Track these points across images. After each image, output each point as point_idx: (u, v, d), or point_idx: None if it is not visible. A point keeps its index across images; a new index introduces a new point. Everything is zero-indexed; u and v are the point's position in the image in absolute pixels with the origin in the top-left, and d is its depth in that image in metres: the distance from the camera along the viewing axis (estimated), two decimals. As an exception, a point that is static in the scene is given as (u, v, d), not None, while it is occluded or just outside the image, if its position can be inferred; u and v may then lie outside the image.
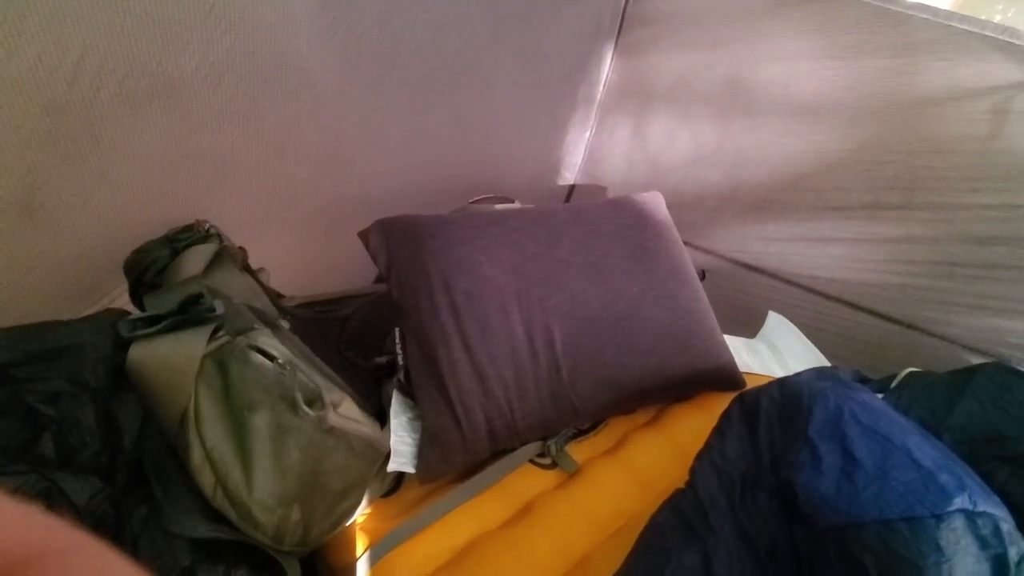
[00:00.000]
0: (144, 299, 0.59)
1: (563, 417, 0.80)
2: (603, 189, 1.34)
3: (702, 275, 0.99)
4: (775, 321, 1.05)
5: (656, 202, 1.01)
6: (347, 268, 1.19)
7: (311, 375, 0.60)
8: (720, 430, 0.71)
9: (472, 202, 1.25)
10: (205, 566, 0.51)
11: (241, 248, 0.84)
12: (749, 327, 1.03)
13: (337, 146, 1.04)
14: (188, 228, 0.80)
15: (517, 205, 1.20)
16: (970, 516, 0.49)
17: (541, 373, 0.79)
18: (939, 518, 0.48)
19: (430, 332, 0.78)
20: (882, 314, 0.98)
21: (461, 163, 1.28)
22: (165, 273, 0.73)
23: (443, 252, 0.82)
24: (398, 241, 0.85)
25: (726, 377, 0.89)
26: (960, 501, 0.49)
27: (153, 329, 0.54)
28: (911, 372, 0.84)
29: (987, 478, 0.62)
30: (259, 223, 1.00)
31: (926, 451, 0.56)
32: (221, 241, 0.78)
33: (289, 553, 0.57)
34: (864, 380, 0.84)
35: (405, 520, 0.70)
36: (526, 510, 0.74)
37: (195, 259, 0.71)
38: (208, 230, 0.81)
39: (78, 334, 0.55)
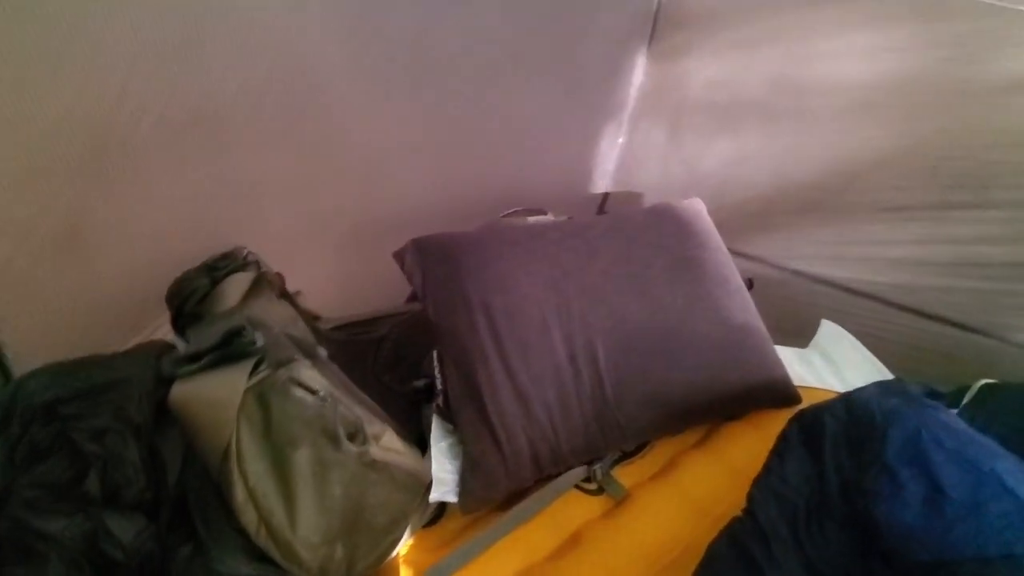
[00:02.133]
0: (187, 332, 0.59)
1: (609, 438, 0.77)
2: (638, 196, 1.30)
3: (750, 284, 0.94)
4: (829, 330, 0.99)
5: (697, 209, 0.97)
6: (381, 287, 1.18)
7: (351, 407, 0.58)
8: (779, 452, 0.67)
9: (504, 215, 1.23)
10: (250, 608, 0.50)
11: (278, 274, 0.84)
12: (801, 337, 0.98)
13: (369, 163, 1.03)
14: (227, 255, 0.80)
15: (550, 217, 1.18)
16: None
17: (584, 392, 0.76)
18: None
19: (469, 353, 0.75)
20: (952, 321, 0.91)
21: (493, 175, 1.26)
22: (205, 302, 0.73)
23: (480, 270, 0.80)
24: (433, 260, 0.84)
25: (781, 392, 0.84)
26: None
27: (196, 366, 0.53)
28: (987, 384, 0.78)
29: None
30: (295, 245, 1.00)
31: (1020, 479, 0.51)
32: (259, 268, 0.78)
33: (334, 591, 0.55)
34: (934, 394, 0.78)
35: (449, 552, 0.68)
36: (573, 540, 0.71)
37: (234, 287, 0.71)
38: (246, 257, 0.81)
39: (123, 369, 0.55)
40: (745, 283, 0.92)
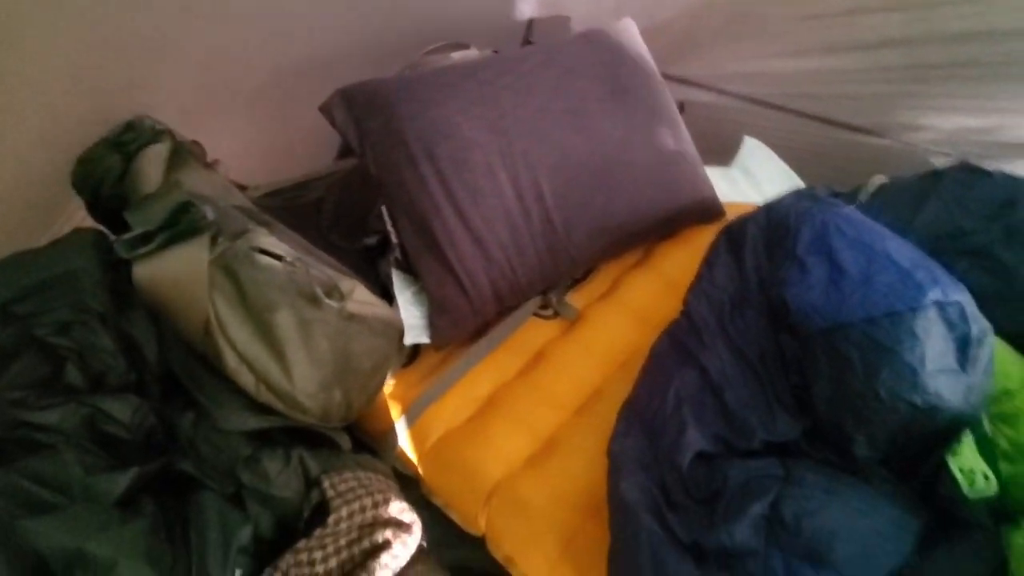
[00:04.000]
0: (127, 216, 0.55)
1: (561, 268, 0.83)
2: (566, 20, 1.22)
3: (681, 107, 0.97)
4: (750, 146, 1.06)
5: (630, 32, 0.94)
6: (305, 147, 1.11)
7: (319, 267, 0.59)
8: (708, 261, 0.75)
9: (426, 53, 1.14)
10: (265, 452, 0.55)
11: (195, 143, 0.77)
12: (726, 155, 1.04)
13: (272, 5, 0.90)
14: (131, 127, 0.71)
15: (475, 52, 1.10)
16: (941, 305, 0.55)
17: (535, 229, 0.80)
18: (915, 310, 0.55)
19: (420, 205, 0.76)
20: (854, 126, 0.99)
21: (407, 6, 1.13)
22: (123, 183, 0.67)
23: (418, 118, 0.77)
24: (366, 111, 0.79)
25: (709, 209, 0.92)
26: (933, 294, 0.56)
27: (152, 246, 0.51)
28: (882, 182, 0.88)
29: (947, 271, 0.70)
30: (202, 110, 0.90)
31: (904, 253, 0.61)
32: (173, 138, 0.71)
33: (336, 428, 0.61)
34: (835, 195, 0.88)
35: (429, 384, 0.76)
36: (537, 358, 0.80)
37: (152, 163, 0.65)
38: (153, 126, 0.73)
39: (64, 261, 0.52)
40: (677, 106, 0.94)
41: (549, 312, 0.85)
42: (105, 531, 0.44)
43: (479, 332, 0.82)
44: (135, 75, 0.76)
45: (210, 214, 0.53)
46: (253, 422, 0.55)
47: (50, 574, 0.42)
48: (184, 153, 0.70)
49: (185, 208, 0.52)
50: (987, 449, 0.52)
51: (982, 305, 0.65)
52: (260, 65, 0.96)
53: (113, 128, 0.72)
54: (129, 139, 0.70)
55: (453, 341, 0.79)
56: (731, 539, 0.52)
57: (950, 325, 0.55)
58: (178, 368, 0.57)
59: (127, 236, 0.52)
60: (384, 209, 0.80)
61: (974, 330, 0.55)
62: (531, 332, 0.82)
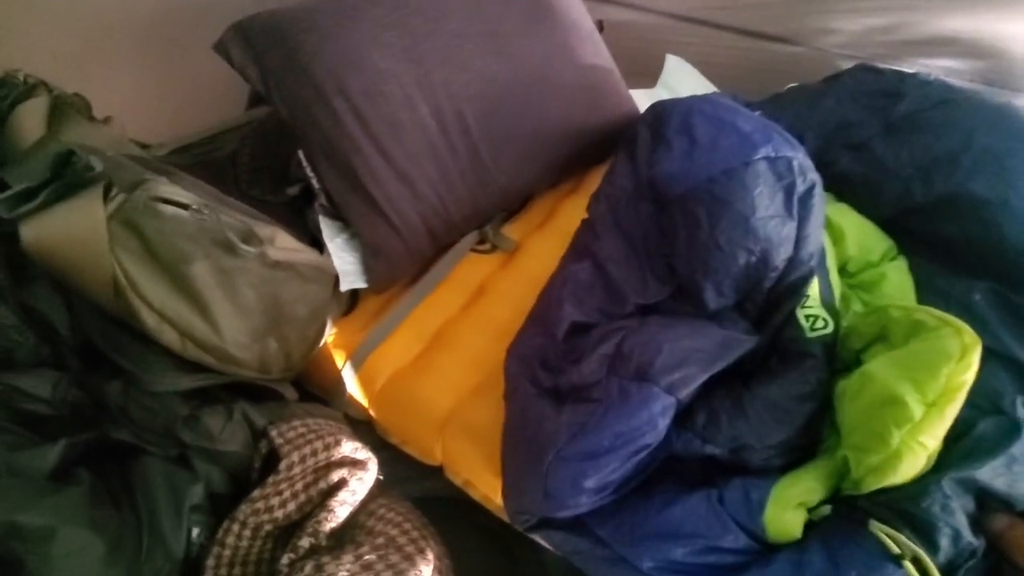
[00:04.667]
0: (2, 174, 0.49)
1: (493, 200, 0.82)
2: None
3: (600, 26, 0.95)
4: (673, 64, 1.05)
5: (542, -53, 0.90)
6: (212, 96, 1.03)
7: (232, 214, 0.56)
8: (610, 166, 0.77)
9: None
10: (205, 409, 0.54)
11: (77, 95, 0.69)
12: (649, 77, 1.04)
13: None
14: (0, 83, 0.63)
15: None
16: (771, 160, 0.61)
17: (463, 162, 0.78)
18: (747, 164, 0.60)
19: (338, 146, 0.72)
20: (769, 35, 1.00)
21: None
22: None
23: (324, 50, 0.72)
24: (266, 47, 0.73)
25: (635, 130, 0.92)
26: (764, 151, 0.61)
27: (35, 203, 0.46)
28: (791, 87, 0.91)
29: (832, 164, 0.75)
30: (83, 63, 0.81)
31: (749, 122, 0.66)
32: (49, 90, 0.64)
33: (279, 380, 0.60)
34: (748, 105, 0.90)
35: (373, 329, 0.75)
36: (479, 292, 0.80)
37: (30, 117, 0.58)
38: (25, 80, 0.65)
39: (-63, 232, 0.47)
40: (596, 25, 0.92)
41: (487, 247, 0.84)
42: (38, 501, 0.42)
43: (418, 273, 0.81)
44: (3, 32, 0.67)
45: (97, 164, 0.48)
46: (186, 381, 0.53)
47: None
48: (65, 107, 0.63)
49: (67, 159, 0.48)
50: (828, 298, 0.61)
51: (858, 194, 0.72)
52: (147, 4, 0.87)
53: (-24, 86, 0.64)
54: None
55: (391, 284, 0.78)
56: (579, 375, 0.60)
57: (778, 176, 0.61)
58: (95, 336, 0.53)
59: (5, 194, 0.47)
60: (301, 154, 0.75)
61: (799, 181, 0.61)
62: (471, 267, 0.82)
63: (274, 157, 0.88)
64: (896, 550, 0.47)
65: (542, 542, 0.59)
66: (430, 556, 0.55)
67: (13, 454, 0.46)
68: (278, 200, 0.85)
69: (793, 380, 0.57)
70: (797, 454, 0.56)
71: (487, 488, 0.64)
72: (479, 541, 0.65)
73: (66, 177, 0.47)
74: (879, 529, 0.48)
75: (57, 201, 0.47)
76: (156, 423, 0.53)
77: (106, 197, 0.49)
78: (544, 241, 0.85)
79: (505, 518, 0.62)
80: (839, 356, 0.61)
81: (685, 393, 0.54)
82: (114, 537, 0.45)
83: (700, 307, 0.63)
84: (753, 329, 0.62)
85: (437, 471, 0.68)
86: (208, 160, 0.94)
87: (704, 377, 0.55)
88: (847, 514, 0.52)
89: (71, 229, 0.47)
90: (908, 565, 0.46)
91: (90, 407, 0.55)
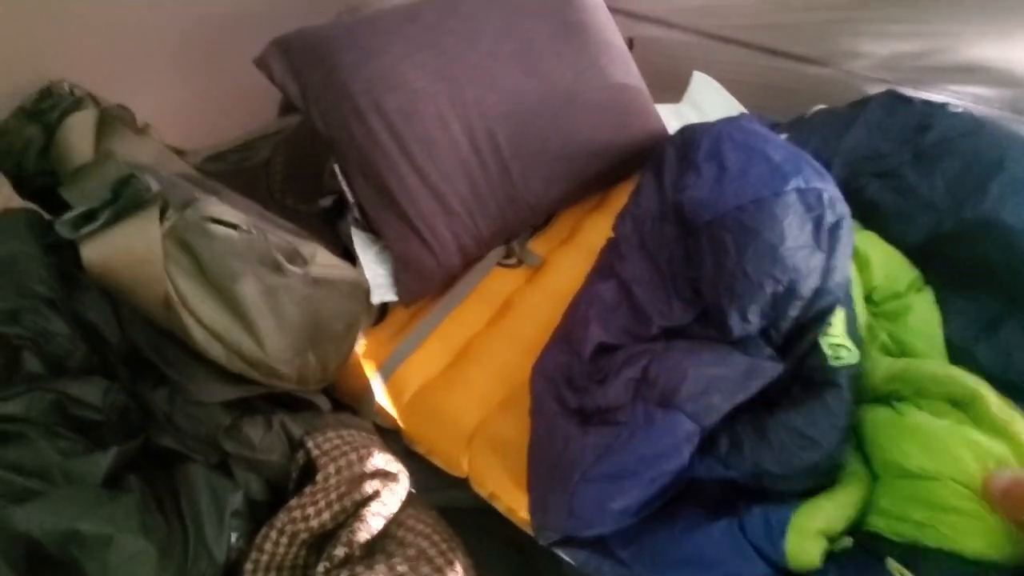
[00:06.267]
0: (63, 193, 0.52)
1: (522, 217, 0.84)
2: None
3: (630, 44, 0.96)
4: (700, 81, 1.06)
5: (574, -34, 0.91)
6: (244, 105, 1.05)
7: (277, 233, 0.58)
8: (637, 186, 0.79)
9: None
10: (246, 419, 0.56)
11: (122, 107, 0.72)
12: (675, 91, 1.05)
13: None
14: (46, 94, 0.66)
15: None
16: (801, 191, 0.62)
17: (493, 180, 0.80)
18: (777, 195, 0.61)
19: (374, 161, 0.74)
20: (797, 55, 1.01)
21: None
22: (49, 155, 0.62)
23: (361, 68, 0.74)
24: (306, 64, 0.75)
25: (661, 148, 0.93)
26: (795, 182, 0.62)
27: (97, 224, 0.48)
28: (818, 110, 0.91)
29: (860, 191, 0.76)
30: (122, 72, 0.83)
31: (780, 151, 0.67)
32: (97, 103, 0.66)
33: (314, 391, 0.62)
34: (775, 125, 0.91)
35: (401, 340, 0.77)
36: (505, 307, 0.82)
37: (79, 132, 0.61)
38: (72, 92, 0.67)
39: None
40: (626, 43, 0.93)
41: (513, 261, 0.86)
42: (96, 509, 0.44)
43: (446, 286, 0.83)
44: (42, 39, 0.70)
45: (154, 185, 0.50)
46: (230, 392, 0.55)
47: (45, 558, 0.42)
48: (112, 119, 0.66)
49: (127, 180, 0.50)
50: (853, 329, 0.61)
51: (886, 222, 0.73)
52: (182, 16, 0.89)
53: (27, 97, 0.67)
54: (47, 107, 0.65)
55: (420, 297, 0.80)
56: (605, 398, 0.61)
57: (808, 207, 0.62)
58: (144, 346, 0.56)
59: (69, 216, 0.49)
60: (336, 167, 0.78)
61: (829, 214, 0.62)
62: (497, 282, 0.84)
63: (307, 166, 0.90)
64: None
65: (565, 558, 0.61)
66: (459, 568, 0.57)
67: (69, 461, 0.48)
68: (311, 210, 0.88)
69: (816, 408, 0.58)
70: (820, 481, 0.57)
71: (512, 501, 0.65)
72: (503, 553, 0.67)
73: (125, 198, 0.49)
74: (896, 569, 0.49)
75: (116, 221, 0.49)
76: (200, 431, 0.56)
77: (161, 217, 0.51)
78: (569, 257, 0.87)
79: (529, 531, 0.64)
80: (864, 387, 0.61)
81: (710, 422, 0.56)
82: (164, 543, 0.47)
83: (725, 332, 0.64)
84: (777, 356, 0.63)
85: (462, 481, 0.70)
86: (242, 168, 0.97)
87: (729, 407, 0.56)
88: (868, 546, 0.53)
89: (130, 249, 0.49)
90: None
91: (136, 414, 0.57)
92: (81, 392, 0.53)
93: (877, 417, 0.58)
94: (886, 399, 0.61)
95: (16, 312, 0.51)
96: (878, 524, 0.55)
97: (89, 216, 0.49)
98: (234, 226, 0.54)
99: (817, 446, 0.56)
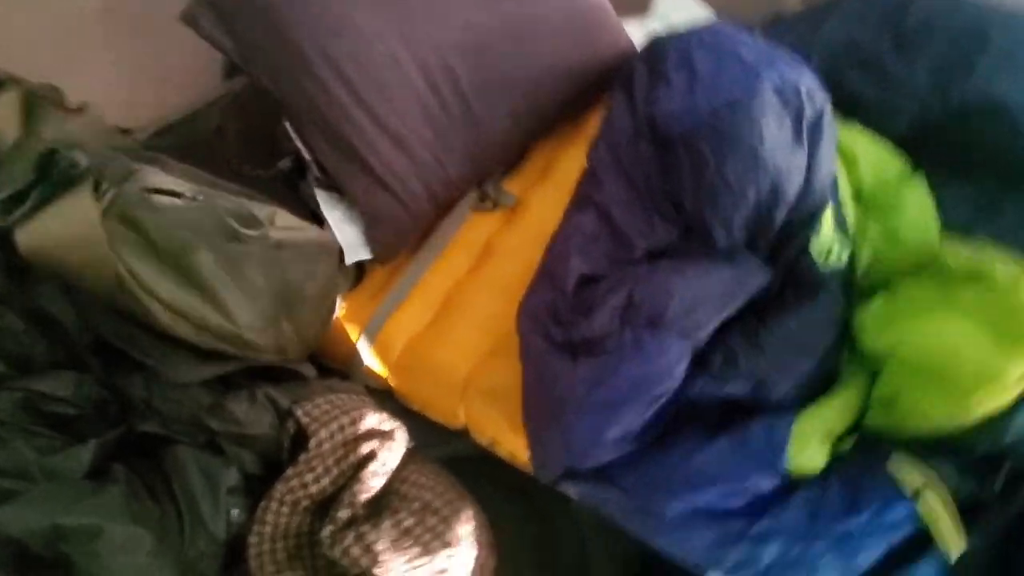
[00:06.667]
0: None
1: (491, 154, 0.80)
2: None
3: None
4: (668, -9, 1.00)
5: None
6: (185, 71, 0.98)
7: (228, 198, 0.55)
8: (607, 108, 0.74)
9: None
10: (228, 396, 0.54)
11: (49, 87, 0.66)
12: (642, 6, 0.99)
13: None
14: (-41, 79, 0.61)
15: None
16: (777, 88, 0.59)
17: (456, 119, 0.75)
18: (752, 95, 0.58)
19: (327, 114, 0.69)
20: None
21: None
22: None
23: (303, 14, 0.68)
24: (240, 16, 0.69)
25: (631, 66, 0.88)
26: (769, 78, 0.59)
27: (26, 208, 0.45)
28: (792, 11, 0.86)
29: (840, 85, 0.71)
30: (48, 50, 0.77)
31: (751, 50, 0.63)
32: (19, 84, 0.61)
33: (296, 360, 0.60)
34: (747, 29, 0.85)
35: (383, 299, 0.75)
36: (486, 253, 0.79)
37: (3, 115, 0.56)
38: (-10, 74, 0.62)
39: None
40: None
41: (488, 204, 0.82)
42: (78, 503, 0.43)
43: (421, 238, 0.80)
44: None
45: (83, 159, 0.47)
46: (207, 371, 0.53)
47: (35, 559, 0.41)
48: (38, 100, 0.61)
49: (50, 158, 0.46)
50: (842, 229, 0.59)
51: (868, 114, 0.69)
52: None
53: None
54: (-37, 94, 0.59)
55: (396, 252, 0.77)
56: (591, 329, 0.59)
57: (785, 103, 0.59)
58: (109, 334, 0.53)
59: (-7, 202, 0.45)
60: (288, 125, 0.73)
61: (808, 107, 0.59)
62: (474, 228, 0.81)
63: (260, 128, 0.85)
64: (916, 484, 0.47)
65: (569, 494, 0.61)
66: (465, 516, 0.57)
67: (46, 458, 0.46)
68: (270, 175, 0.83)
69: (809, 312, 0.57)
70: (817, 387, 0.56)
71: (512, 446, 0.65)
72: (508, 497, 0.67)
73: (52, 177, 0.46)
74: (899, 465, 0.49)
75: (47, 203, 0.46)
76: (182, 413, 0.54)
77: (96, 192, 0.47)
78: (546, 194, 0.83)
79: (532, 473, 0.63)
80: (858, 285, 0.60)
81: (700, 337, 0.54)
82: (158, 528, 0.46)
83: (709, 246, 0.61)
84: (766, 264, 0.61)
85: (461, 433, 0.69)
86: (193, 140, 0.92)
87: (719, 319, 0.54)
88: (871, 447, 0.52)
89: (67, 230, 0.46)
90: (927, 497, 0.47)
91: (114, 404, 0.55)
92: (50, 388, 0.51)
93: (869, 309, 0.57)
94: (871, 293, 0.60)
95: (-38, 315, 0.48)
96: (878, 420, 0.55)
97: (18, 199, 0.45)
98: (178, 194, 0.50)
99: (813, 350, 0.55)
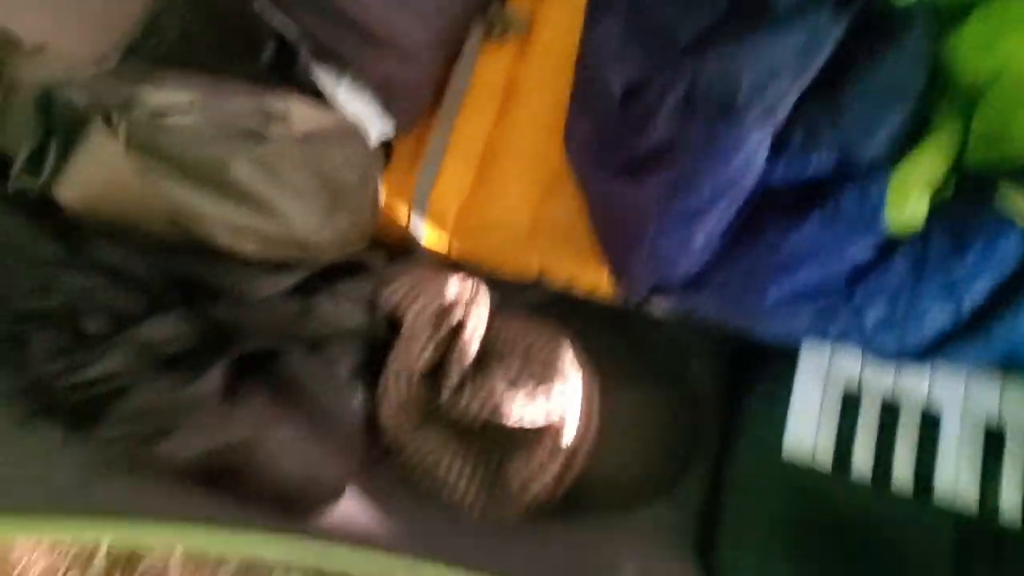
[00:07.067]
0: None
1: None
2: None
3: None
4: None
5: None
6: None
7: (238, 100, 0.50)
8: None
9: None
10: (311, 300, 0.54)
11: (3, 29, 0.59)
12: None
13: None
14: None
15: None
16: None
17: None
18: None
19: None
20: None
21: None
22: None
23: None
24: None
25: None
26: None
27: (52, 163, 0.42)
28: None
29: None
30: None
31: None
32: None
33: (362, 250, 0.60)
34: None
35: (419, 170, 0.71)
36: (509, 92, 0.73)
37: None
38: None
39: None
40: None
41: (497, 31, 0.74)
42: (229, 420, 0.46)
43: (438, 94, 0.73)
44: None
45: (78, 97, 0.42)
46: (283, 281, 0.53)
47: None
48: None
49: (47, 103, 0.42)
50: None
51: None
52: None
53: None
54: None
55: (416, 117, 0.72)
56: (650, 139, 0.54)
57: None
58: (179, 270, 0.53)
59: (17, 167, 0.43)
60: (261, 2, 0.64)
61: None
62: (489, 66, 0.73)
63: (231, 19, 0.76)
64: None
65: (659, 308, 0.61)
66: (564, 346, 0.59)
67: (182, 392, 0.49)
68: (255, 71, 0.76)
69: (896, 55, 0.50)
70: (910, 140, 0.52)
71: (591, 279, 0.65)
72: (599, 329, 0.68)
73: (56, 124, 0.42)
74: (1006, 193, 0.45)
75: (67, 155, 0.43)
76: (275, 326, 0.55)
77: (108, 127, 0.44)
78: (559, 8, 0.73)
79: (614, 303, 0.64)
80: (942, 7, 0.52)
81: (779, 115, 0.49)
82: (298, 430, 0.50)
83: (766, 8, 0.53)
84: (836, 11, 0.53)
85: (534, 285, 0.69)
86: (160, 53, 0.83)
87: (797, 90, 0.49)
88: (974, 187, 0.49)
89: (100, 174, 0.43)
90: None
91: (212, 331, 0.57)
92: (153, 332, 0.52)
93: (962, 33, 0.50)
94: (961, 14, 0.51)
95: (42, 287, 0.49)
96: (980, 157, 0.50)
97: (37, 159, 0.42)
98: (187, 111, 0.46)
99: (903, 97, 0.49)
